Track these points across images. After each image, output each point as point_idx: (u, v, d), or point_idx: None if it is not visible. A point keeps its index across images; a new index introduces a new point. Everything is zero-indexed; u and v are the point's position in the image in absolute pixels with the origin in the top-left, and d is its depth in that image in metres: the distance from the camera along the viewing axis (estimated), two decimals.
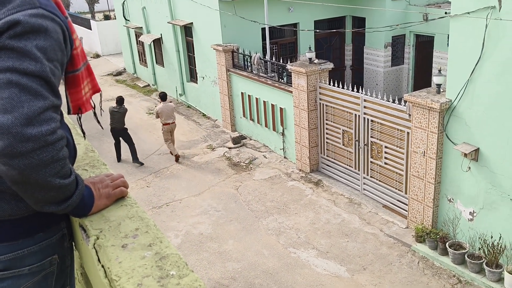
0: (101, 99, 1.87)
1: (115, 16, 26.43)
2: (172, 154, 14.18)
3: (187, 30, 17.36)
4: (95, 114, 1.87)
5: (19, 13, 1.33)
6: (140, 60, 22.63)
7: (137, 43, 22.19)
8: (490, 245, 8.51)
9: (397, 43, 16.63)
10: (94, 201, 1.56)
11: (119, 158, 14.22)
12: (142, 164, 13.95)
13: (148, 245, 1.29)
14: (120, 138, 13.95)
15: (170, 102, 15.09)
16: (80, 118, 1.80)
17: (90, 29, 29.24)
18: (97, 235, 1.39)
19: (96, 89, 1.79)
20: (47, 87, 1.35)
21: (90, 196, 1.55)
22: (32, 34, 1.33)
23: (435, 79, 9.35)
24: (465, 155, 8.82)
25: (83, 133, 1.99)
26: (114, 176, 1.68)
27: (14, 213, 1.52)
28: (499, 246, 8.45)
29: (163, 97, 14.07)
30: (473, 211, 9.16)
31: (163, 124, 13.90)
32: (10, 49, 1.30)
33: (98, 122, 1.96)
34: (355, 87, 11.17)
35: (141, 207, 1.52)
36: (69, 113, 1.77)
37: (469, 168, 8.98)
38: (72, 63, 1.59)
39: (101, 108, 1.88)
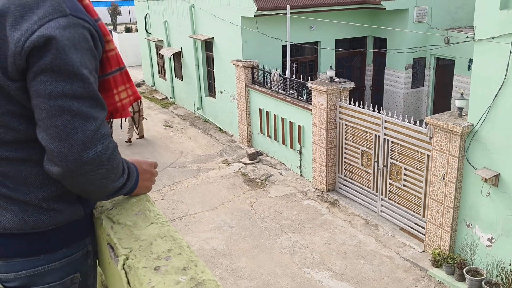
0: (139, 106, 1.83)
1: (136, 28, 26.71)
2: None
3: (208, 44, 17.44)
4: (133, 119, 1.84)
5: (52, 24, 1.29)
6: (159, 73, 22.78)
7: (157, 56, 22.36)
8: (508, 273, 8.33)
9: (417, 65, 16.52)
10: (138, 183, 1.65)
11: None
12: None
13: (182, 269, 1.21)
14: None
15: None
16: (110, 123, 1.75)
17: None
18: (127, 255, 1.31)
19: (136, 96, 1.72)
20: (95, 105, 1.36)
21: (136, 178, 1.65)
22: (71, 49, 1.30)
23: (457, 103, 9.24)
24: (486, 180, 8.67)
25: None
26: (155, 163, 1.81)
27: (37, 226, 1.46)
28: None
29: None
30: (492, 237, 8.97)
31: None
32: (56, 72, 1.29)
33: (137, 129, 1.93)
34: (376, 108, 11.08)
35: (172, 226, 1.46)
36: None
37: (489, 193, 8.82)
38: (101, 67, 1.53)
39: (140, 116, 1.86)
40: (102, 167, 1.37)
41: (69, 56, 1.29)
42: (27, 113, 1.37)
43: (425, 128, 9.63)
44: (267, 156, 14.86)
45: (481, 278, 8.75)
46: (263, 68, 14.67)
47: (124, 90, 1.66)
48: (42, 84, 1.29)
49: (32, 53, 1.28)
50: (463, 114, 9.17)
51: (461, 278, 9.00)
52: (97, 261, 1.70)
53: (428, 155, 9.67)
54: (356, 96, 15.42)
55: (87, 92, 1.33)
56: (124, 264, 1.28)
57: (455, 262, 9.13)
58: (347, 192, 12.24)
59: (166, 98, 22.12)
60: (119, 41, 28.74)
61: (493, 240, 8.96)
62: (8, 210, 1.44)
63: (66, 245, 1.54)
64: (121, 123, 1.83)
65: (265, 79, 14.54)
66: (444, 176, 9.26)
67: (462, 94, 9.33)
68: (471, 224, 9.24)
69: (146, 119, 16.93)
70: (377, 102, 16.79)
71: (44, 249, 1.49)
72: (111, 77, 1.59)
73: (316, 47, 15.95)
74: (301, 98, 13.11)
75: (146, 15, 22.42)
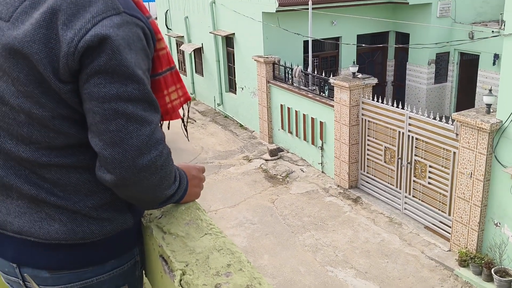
0: (188, 108, 1.72)
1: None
2: None
3: (229, 40, 17.36)
4: (183, 121, 1.73)
5: (105, 23, 1.20)
6: (179, 68, 22.76)
7: (177, 52, 22.35)
8: None
9: (441, 61, 16.26)
10: (188, 189, 1.54)
11: None
12: None
13: (245, 287, 1.13)
14: None
15: None
16: (161, 125, 1.64)
17: None
18: (183, 270, 1.22)
19: (186, 97, 1.61)
20: (150, 108, 1.28)
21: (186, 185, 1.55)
22: (126, 49, 1.21)
23: (486, 99, 9.04)
24: None
25: None
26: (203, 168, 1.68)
27: (86, 236, 1.37)
28: None
29: None
30: None
31: None
32: (111, 73, 1.21)
33: (186, 132, 1.80)
34: (400, 104, 10.92)
35: (228, 237, 1.38)
36: None
37: None
38: (152, 67, 1.42)
39: (188, 118, 1.73)
40: (156, 174, 1.29)
41: (124, 56, 1.21)
42: (78, 117, 1.29)
43: (452, 124, 9.45)
44: (288, 152, 14.76)
45: (510, 279, 8.57)
46: (285, 64, 14.56)
47: (175, 90, 1.55)
48: (96, 87, 1.21)
49: (86, 53, 1.20)
50: (491, 110, 8.98)
51: (489, 279, 8.82)
52: (143, 272, 1.63)
53: (454, 152, 9.49)
54: (378, 92, 15.20)
55: (142, 95, 1.25)
56: (181, 280, 1.20)
57: (483, 262, 8.95)
58: (370, 189, 12.09)
59: None
60: None
61: None
62: (56, 220, 1.36)
63: (115, 256, 1.45)
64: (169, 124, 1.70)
65: (287, 75, 14.43)
66: (471, 174, 9.08)
67: (490, 90, 9.13)
68: (500, 223, 9.06)
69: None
70: (399, 98, 16.54)
71: (93, 261, 1.41)
72: (162, 78, 1.48)
73: (337, 42, 15.78)
74: (323, 94, 12.98)
75: (167, 11, 22.40)
